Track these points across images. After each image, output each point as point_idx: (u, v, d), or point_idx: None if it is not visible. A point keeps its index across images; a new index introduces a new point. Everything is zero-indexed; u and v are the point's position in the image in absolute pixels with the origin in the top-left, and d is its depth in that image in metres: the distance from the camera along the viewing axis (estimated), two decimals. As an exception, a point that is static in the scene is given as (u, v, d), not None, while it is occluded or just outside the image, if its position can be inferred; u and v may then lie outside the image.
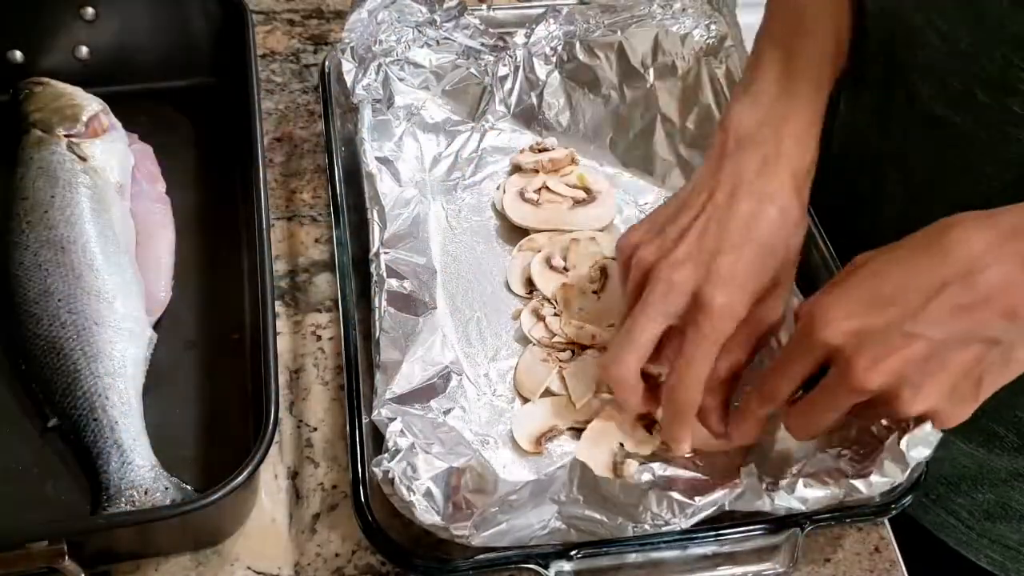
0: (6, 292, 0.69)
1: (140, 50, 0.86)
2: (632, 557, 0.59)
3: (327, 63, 0.82)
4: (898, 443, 0.57)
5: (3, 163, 0.76)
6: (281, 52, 0.94)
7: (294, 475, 0.67)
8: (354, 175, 0.76)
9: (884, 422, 0.61)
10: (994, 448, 0.74)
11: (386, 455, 0.59)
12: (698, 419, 0.63)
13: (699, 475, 0.64)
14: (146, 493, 0.61)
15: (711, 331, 0.60)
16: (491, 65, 0.85)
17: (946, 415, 0.56)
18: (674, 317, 0.61)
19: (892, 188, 0.74)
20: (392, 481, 0.57)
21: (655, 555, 0.59)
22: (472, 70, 0.85)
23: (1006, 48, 0.60)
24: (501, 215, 0.81)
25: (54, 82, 0.80)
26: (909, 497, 0.61)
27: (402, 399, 0.65)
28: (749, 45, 0.77)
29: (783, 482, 0.59)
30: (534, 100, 0.86)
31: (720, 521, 0.59)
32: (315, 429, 0.69)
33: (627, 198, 0.83)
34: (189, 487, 0.63)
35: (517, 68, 0.85)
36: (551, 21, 0.85)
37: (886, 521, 0.65)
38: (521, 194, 0.80)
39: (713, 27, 0.84)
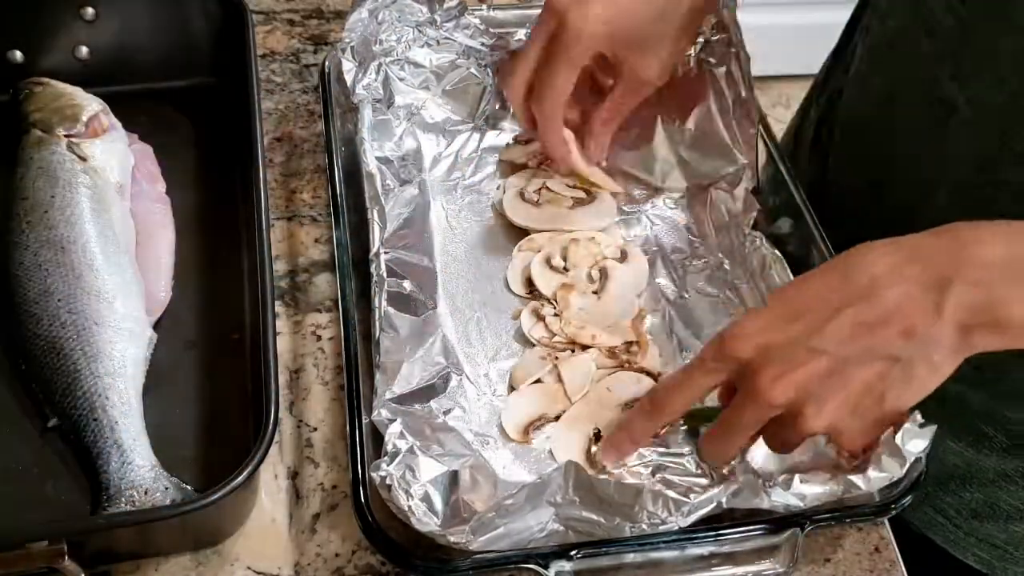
0: (6, 292, 0.69)
1: (140, 50, 0.85)
2: (632, 557, 0.59)
3: (327, 63, 0.82)
4: (893, 437, 0.58)
5: (3, 163, 0.76)
6: (281, 52, 0.94)
7: (294, 475, 0.67)
8: (354, 175, 0.76)
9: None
10: (983, 448, 0.74)
11: (385, 458, 0.59)
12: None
13: (698, 475, 0.64)
14: (146, 493, 0.61)
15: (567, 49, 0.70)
16: (491, 65, 0.85)
17: (849, 432, 0.57)
18: (544, 40, 0.71)
19: (893, 187, 0.74)
20: (390, 487, 0.57)
21: (655, 555, 0.59)
22: (472, 70, 0.85)
23: None
24: (501, 215, 0.81)
25: (54, 82, 0.80)
26: (909, 497, 0.61)
27: (402, 399, 0.65)
28: (749, 45, 0.77)
29: (780, 479, 0.59)
30: (534, 100, 0.86)
31: (720, 521, 0.59)
32: (315, 429, 0.69)
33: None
34: (189, 487, 0.63)
35: (517, 68, 0.85)
36: (551, 21, 0.85)
37: (886, 521, 0.65)
38: (521, 194, 0.80)
39: (713, 27, 0.84)
